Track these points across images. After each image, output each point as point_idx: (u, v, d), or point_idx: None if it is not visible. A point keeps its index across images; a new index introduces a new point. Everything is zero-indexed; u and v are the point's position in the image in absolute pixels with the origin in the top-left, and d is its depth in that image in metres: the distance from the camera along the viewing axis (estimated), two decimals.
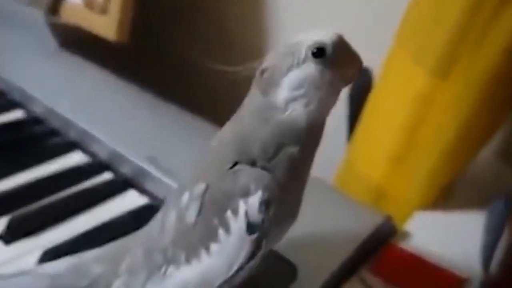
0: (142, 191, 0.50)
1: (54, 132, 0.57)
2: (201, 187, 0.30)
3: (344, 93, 0.64)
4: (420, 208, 0.49)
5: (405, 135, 0.50)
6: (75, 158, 0.54)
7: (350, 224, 0.43)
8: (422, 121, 0.48)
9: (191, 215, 0.30)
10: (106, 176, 0.51)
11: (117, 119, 0.56)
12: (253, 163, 0.29)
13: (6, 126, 0.59)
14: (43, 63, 0.66)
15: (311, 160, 0.31)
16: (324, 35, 0.28)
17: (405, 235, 0.45)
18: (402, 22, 0.49)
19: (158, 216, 0.34)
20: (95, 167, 0.52)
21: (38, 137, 0.57)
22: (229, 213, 0.29)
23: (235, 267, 0.29)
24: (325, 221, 0.43)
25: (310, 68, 0.28)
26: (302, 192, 0.32)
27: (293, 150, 0.29)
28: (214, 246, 0.29)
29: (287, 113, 0.29)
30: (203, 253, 0.30)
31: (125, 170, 0.51)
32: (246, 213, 0.29)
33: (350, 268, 0.41)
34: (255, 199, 0.28)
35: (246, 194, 0.29)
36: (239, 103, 0.31)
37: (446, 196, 0.50)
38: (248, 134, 0.30)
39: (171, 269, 0.31)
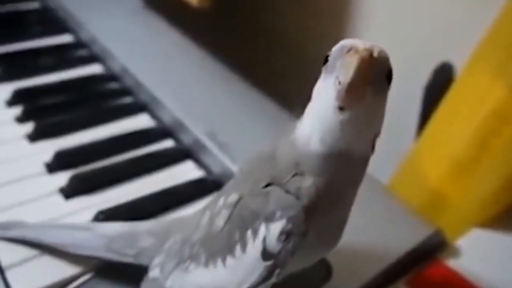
0: (199, 163, 0.51)
1: (126, 92, 0.60)
2: (234, 197, 0.30)
3: (420, 86, 0.61)
4: (478, 225, 0.46)
5: (475, 147, 0.47)
6: (142, 121, 0.56)
7: (397, 232, 0.42)
8: (496, 136, 0.44)
9: (219, 222, 0.30)
10: (168, 143, 0.53)
11: (187, 87, 0.57)
12: (286, 190, 0.28)
13: (83, 80, 0.61)
14: (127, 20, 0.68)
15: (351, 192, 0.29)
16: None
17: (455, 252, 0.43)
18: (487, 33, 0.45)
19: (202, 209, 0.34)
20: (159, 132, 0.54)
21: (111, 94, 0.59)
22: (249, 233, 0.29)
23: (244, 286, 0.29)
24: (371, 225, 0.42)
25: (320, 79, 0.27)
26: (342, 223, 0.31)
27: (317, 181, 0.27)
28: (230, 259, 0.30)
29: (309, 140, 0.27)
30: (219, 262, 0.30)
31: (186, 140, 0.52)
32: (265, 239, 0.28)
33: (388, 278, 0.40)
34: (276, 227, 0.28)
35: (270, 219, 0.28)
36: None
37: (508, 217, 0.47)
38: (281, 157, 0.29)
39: (192, 266, 0.32)
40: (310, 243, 0.29)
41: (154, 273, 0.34)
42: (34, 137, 0.51)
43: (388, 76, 0.26)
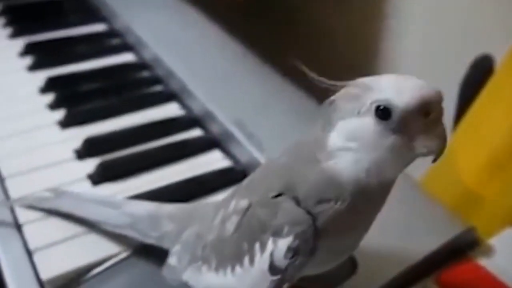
0: (227, 153, 0.50)
1: (157, 80, 0.60)
2: (244, 203, 0.29)
3: (458, 77, 0.59)
4: None
5: None
6: (171, 110, 0.56)
7: (427, 229, 0.41)
8: None
9: (230, 227, 0.30)
10: (196, 132, 0.53)
11: (217, 77, 0.56)
12: (297, 202, 0.27)
13: (115, 68, 0.62)
14: (160, 10, 0.68)
15: (367, 220, 0.29)
16: (400, 93, 0.24)
17: (489, 251, 0.41)
18: None
19: (217, 205, 0.33)
20: (187, 121, 0.54)
21: (142, 83, 0.59)
22: (257, 246, 0.28)
23: None
24: (401, 221, 0.41)
25: (370, 124, 0.25)
26: (359, 239, 0.30)
27: (337, 206, 0.26)
28: (238, 269, 0.29)
29: (332, 161, 0.26)
30: (229, 269, 0.30)
31: (214, 129, 0.52)
32: (272, 254, 0.27)
33: (416, 275, 0.38)
34: (284, 243, 0.27)
35: (278, 233, 0.27)
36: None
37: None
38: (297, 170, 0.28)
39: (204, 268, 0.31)
40: (321, 257, 0.28)
41: (173, 260, 0.34)
42: (65, 124, 0.52)
43: None
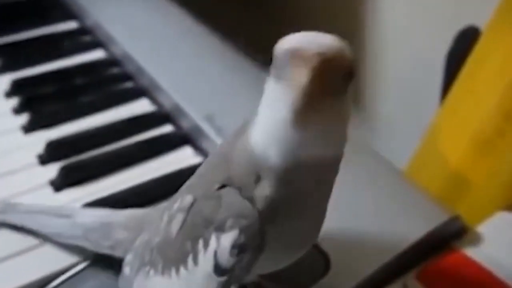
0: (198, 149, 0.48)
1: (127, 77, 0.57)
2: (188, 200, 0.27)
3: (444, 50, 0.56)
4: (504, 208, 0.42)
5: (499, 120, 0.42)
6: (142, 106, 0.53)
7: (408, 218, 0.38)
8: None
9: (174, 227, 0.27)
10: (166, 128, 0.50)
11: (189, 71, 0.54)
12: (240, 191, 0.25)
13: (86, 65, 0.59)
14: (129, 4, 0.65)
15: (315, 201, 0.26)
16: (285, 42, 0.22)
17: (476, 239, 0.38)
18: None
19: (163, 207, 0.31)
20: (158, 117, 0.51)
21: (112, 80, 0.57)
22: (200, 244, 0.25)
23: None
24: (379, 210, 0.38)
25: (270, 82, 0.23)
26: (316, 225, 0.27)
27: (274, 188, 0.24)
28: (183, 271, 0.26)
29: (265, 152, 0.24)
30: (173, 272, 0.27)
31: (184, 125, 0.49)
32: (216, 252, 0.25)
33: (396, 270, 0.36)
34: (228, 240, 0.24)
35: (220, 228, 0.25)
36: None
37: None
38: (238, 159, 0.25)
39: (151, 272, 0.29)
40: (274, 252, 0.25)
41: (126, 269, 0.31)
42: (29, 128, 0.50)
43: (348, 75, 0.22)
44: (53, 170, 0.45)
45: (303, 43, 0.22)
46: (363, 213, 0.38)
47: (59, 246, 0.38)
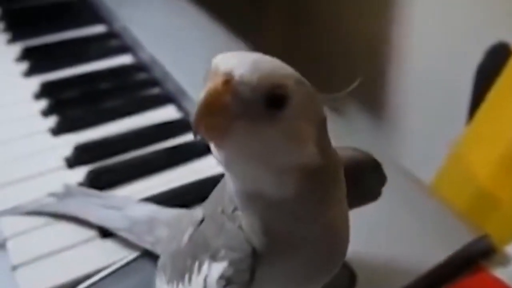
0: None
1: (154, 82, 0.57)
2: (199, 215, 0.27)
3: (473, 67, 0.55)
4: None
5: None
6: (168, 113, 0.53)
7: (435, 237, 0.37)
8: None
9: (184, 239, 0.27)
10: (191, 136, 0.50)
11: None
12: (239, 225, 0.24)
13: (113, 70, 0.60)
14: (157, 8, 0.66)
15: (308, 229, 0.24)
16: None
17: (504, 258, 0.38)
18: None
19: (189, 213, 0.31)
20: (184, 125, 0.51)
21: (138, 85, 0.57)
22: (196, 265, 0.25)
23: None
24: (404, 227, 0.38)
25: None
26: (319, 264, 0.25)
27: (241, 217, 0.23)
28: (181, 286, 0.27)
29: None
30: (175, 284, 0.27)
31: None
32: (205, 279, 0.24)
33: None
34: (217, 270, 0.24)
35: (214, 256, 0.24)
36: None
37: None
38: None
39: (162, 278, 0.29)
40: (280, 284, 0.25)
41: (159, 268, 0.32)
42: (57, 130, 0.50)
43: (275, 102, 0.21)
44: (80, 173, 0.45)
45: (226, 60, 0.21)
46: (388, 230, 0.38)
47: (91, 247, 0.39)
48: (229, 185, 0.24)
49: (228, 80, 0.20)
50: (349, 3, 0.66)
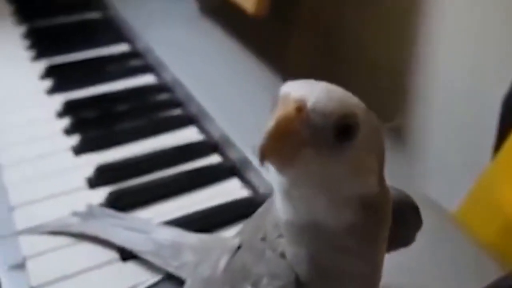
0: (246, 182, 0.47)
1: (177, 103, 0.57)
2: (235, 242, 0.27)
3: (501, 94, 0.55)
4: None
5: None
6: (190, 134, 0.53)
7: (460, 272, 0.36)
8: None
9: (220, 266, 0.27)
10: (214, 159, 0.50)
11: (239, 101, 0.54)
12: (280, 252, 0.24)
13: (136, 90, 0.60)
14: (181, 28, 0.66)
15: (353, 263, 0.24)
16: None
17: None
18: None
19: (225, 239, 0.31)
20: (206, 147, 0.51)
21: (160, 106, 0.57)
22: None
23: None
24: (428, 262, 0.37)
25: None
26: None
27: (286, 244, 0.23)
28: None
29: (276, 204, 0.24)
30: None
31: (232, 156, 0.49)
32: None
33: None
34: None
35: (255, 284, 0.24)
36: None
37: None
38: (272, 210, 0.25)
39: None
40: None
41: None
42: (79, 150, 0.50)
43: (343, 131, 0.20)
44: (101, 194, 0.45)
45: (298, 88, 0.21)
46: (411, 266, 0.37)
47: (111, 268, 0.39)
48: (276, 213, 0.24)
49: (300, 107, 0.20)
50: (373, 30, 0.66)
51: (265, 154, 0.20)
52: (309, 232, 0.22)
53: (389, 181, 0.29)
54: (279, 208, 0.23)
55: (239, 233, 0.28)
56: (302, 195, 0.22)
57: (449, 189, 0.51)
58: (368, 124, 0.21)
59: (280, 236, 0.24)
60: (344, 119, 0.20)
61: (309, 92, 0.20)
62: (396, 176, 0.29)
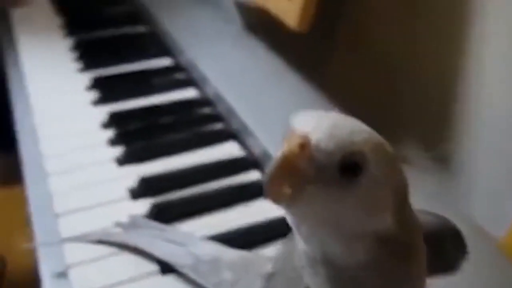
0: None
1: (218, 118, 0.58)
2: (268, 269, 0.27)
3: None
4: None
5: None
6: (230, 149, 0.53)
7: None
8: None
9: None
10: (254, 175, 0.50)
11: (280, 117, 0.54)
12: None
13: (178, 103, 0.61)
14: (225, 44, 0.67)
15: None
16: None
17: None
18: None
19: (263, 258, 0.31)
20: (246, 162, 0.51)
21: (202, 120, 0.58)
22: None
23: None
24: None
25: None
26: None
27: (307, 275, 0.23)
28: None
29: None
30: None
31: None
32: None
33: None
34: None
35: None
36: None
37: None
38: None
39: None
40: None
41: None
42: (122, 161, 0.51)
43: (345, 167, 0.20)
44: (142, 205, 0.46)
45: (304, 122, 0.21)
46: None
47: (172, 276, 0.39)
48: (299, 243, 0.23)
49: (304, 144, 0.20)
50: (419, 49, 0.65)
51: (267, 191, 0.20)
52: (326, 265, 0.22)
53: (435, 207, 0.28)
54: (297, 238, 0.23)
55: (275, 256, 0.28)
56: (310, 231, 0.21)
57: (497, 215, 0.50)
58: (379, 159, 0.21)
59: (304, 266, 0.23)
60: (349, 157, 0.20)
61: (314, 127, 0.20)
62: (443, 203, 0.28)
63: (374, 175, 0.20)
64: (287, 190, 0.20)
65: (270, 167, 0.20)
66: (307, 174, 0.20)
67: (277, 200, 0.20)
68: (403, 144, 0.48)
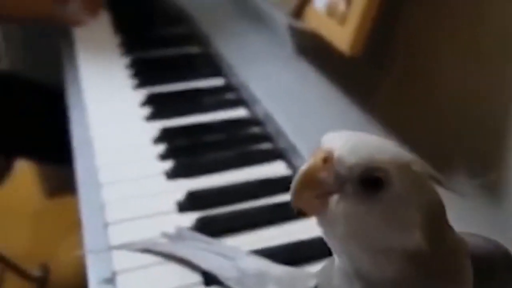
0: None
1: (267, 137, 0.59)
2: (311, 285, 0.27)
3: None
4: None
5: None
6: (278, 168, 0.54)
7: None
8: None
9: None
10: None
11: None
12: None
13: (228, 122, 0.62)
14: (276, 66, 0.68)
15: None
16: None
17: None
18: None
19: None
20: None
21: (251, 139, 0.59)
22: None
23: None
24: None
25: None
26: None
27: None
28: None
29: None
30: None
31: None
32: None
33: None
34: None
35: None
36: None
37: None
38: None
39: None
40: None
41: None
42: (171, 175, 0.52)
43: (367, 181, 0.21)
44: (188, 218, 0.47)
45: (331, 139, 0.22)
46: None
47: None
48: (335, 259, 0.24)
49: (326, 158, 0.22)
50: (471, 80, 0.64)
51: (292, 200, 0.22)
52: (359, 280, 0.23)
53: (484, 233, 0.28)
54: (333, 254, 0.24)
55: (319, 272, 0.28)
56: (338, 242, 0.22)
57: None
58: (403, 177, 0.22)
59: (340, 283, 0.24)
60: (370, 171, 0.21)
61: (339, 144, 0.22)
62: (492, 229, 0.27)
63: (397, 191, 0.21)
64: (311, 201, 0.22)
65: (295, 178, 0.22)
66: (329, 186, 0.22)
67: (300, 209, 0.22)
68: (450, 171, 0.47)
